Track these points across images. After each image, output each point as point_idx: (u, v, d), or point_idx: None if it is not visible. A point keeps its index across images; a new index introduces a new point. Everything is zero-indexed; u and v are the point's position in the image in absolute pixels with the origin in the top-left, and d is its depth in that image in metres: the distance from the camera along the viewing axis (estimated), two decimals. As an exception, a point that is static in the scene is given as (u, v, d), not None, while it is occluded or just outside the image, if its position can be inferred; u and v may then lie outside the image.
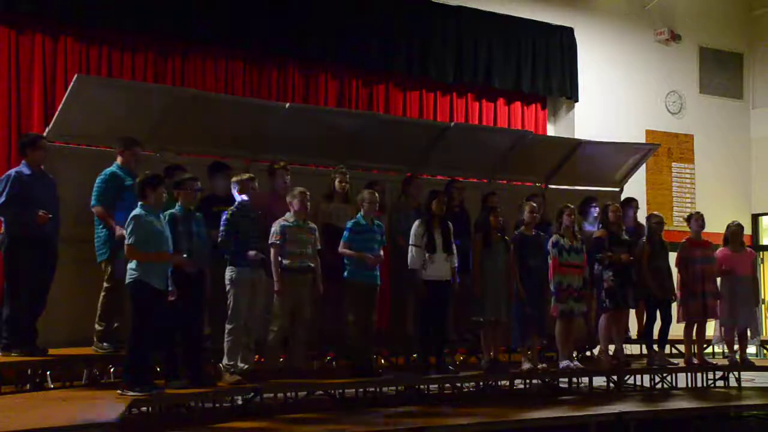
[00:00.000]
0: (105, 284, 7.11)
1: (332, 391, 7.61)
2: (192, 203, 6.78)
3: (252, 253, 6.85)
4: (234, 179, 7.16)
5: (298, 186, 7.55)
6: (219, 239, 6.88)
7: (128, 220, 6.24)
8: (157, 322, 6.30)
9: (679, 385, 9.16)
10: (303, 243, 7.30)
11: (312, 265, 7.37)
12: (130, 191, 6.87)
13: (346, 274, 7.60)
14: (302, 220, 7.35)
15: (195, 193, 6.78)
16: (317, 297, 7.60)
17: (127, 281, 6.22)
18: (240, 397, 7.16)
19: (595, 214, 9.11)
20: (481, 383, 8.38)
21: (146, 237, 6.20)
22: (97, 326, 7.08)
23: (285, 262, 7.21)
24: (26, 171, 6.88)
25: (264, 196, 7.54)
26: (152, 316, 6.22)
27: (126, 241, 6.20)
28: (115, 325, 7.12)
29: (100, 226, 7.13)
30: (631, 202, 9.67)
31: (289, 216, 7.35)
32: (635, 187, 11.52)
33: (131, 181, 7.03)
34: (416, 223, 7.97)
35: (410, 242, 7.90)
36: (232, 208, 6.99)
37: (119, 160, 7.17)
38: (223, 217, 6.90)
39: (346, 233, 7.59)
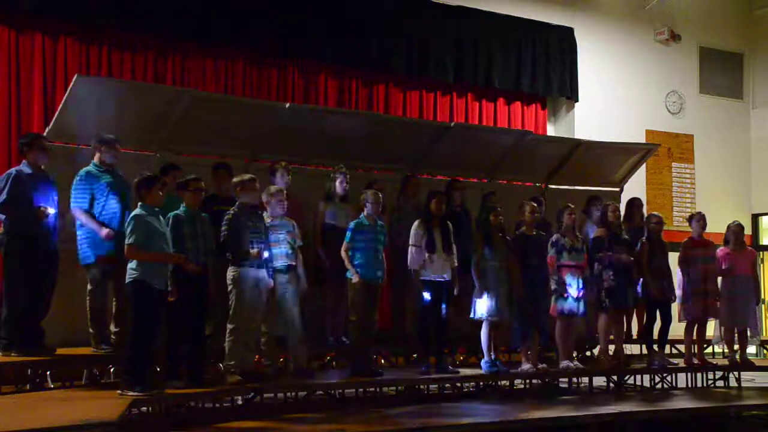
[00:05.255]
0: (88, 286, 7.08)
1: (332, 391, 7.61)
2: (197, 204, 6.78)
3: (254, 250, 6.84)
4: (235, 180, 7.16)
5: (299, 186, 7.57)
6: (220, 239, 6.88)
7: (128, 219, 6.24)
8: (158, 322, 6.31)
9: (679, 385, 9.16)
10: (280, 242, 7.25)
11: (293, 263, 7.32)
12: (105, 189, 6.92)
13: (349, 273, 7.60)
14: (279, 219, 7.31)
15: (200, 193, 6.78)
16: (305, 294, 7.56)
17: (127, 281, 6.22)
18: (240, 397, 7.16)
19: (599, 214, 9.10)
20: (481, 383, 8.38)
21: (146, 237, 6.20)
22: (90, 330, 7.07)
23: None
24: (26, 170, 6.88)
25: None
26: (152, 316, 6.21)
27: (126, 241, 6.19)
28: (114, 330, 7.12)
29: (80, 229, 7.08)
30: (636, 201, 9.71)
31: (265, 216, 7.26)
32: (635, 187, 11.53)
33: (108, 179, 7.03)
34: (416, 223, 7.98)
35: (410, 242, 7.90)
36: (233, 208, 6.99)
37: (96, 158, 7.11)
38: (225, 217, 6.90)
39: (348, 233, 7.58)
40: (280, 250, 7.23)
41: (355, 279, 7.46)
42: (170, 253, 6.35)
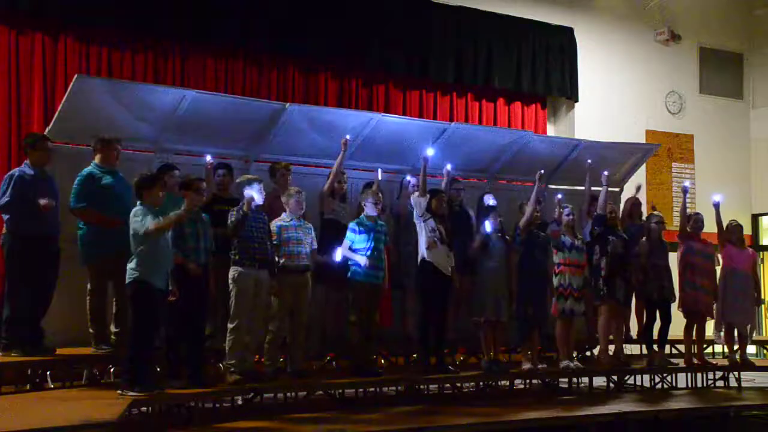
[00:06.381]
0: (88, 286, 7.11)
1: (332, 391, 7.61)
2: (198, 204, 6.78)
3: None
4: (239, 180, 7.18)
5: (299, 186, 7.58)
6: (228, 230, 6.88)
7: (131, 215, 6.24)
8: (158, 322, 6.31)
9: (679, 385, 9.17)
10: (300, 242, 7.29)
11: (309, 264, 7.36)
12: (104, 189, 6.95)
13: (350, 274, 7.60)
14: (297, 219, 7.35)
15: (202, 193, 6.80)
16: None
17: (127, 281, 6.21)
18: (240, 397, 7.17)
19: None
20: (481, 383, 8.38)
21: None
22: (90, 330, 7.09)
23: (282, 261, 7.20)
24: (29, 171, 6.89)
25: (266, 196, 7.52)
26: (152, 315, 6.21)
27: (135, 232, 6.18)
28: (114, 330, 7.13)
29: (81, 230, 7.10)
30: (635, 201, 9.73)
31: (285, 216, 7.35)
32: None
33: (109, 180, 7.06)
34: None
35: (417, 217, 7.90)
36: (237, 207, 6.98)
37: (97, 159, 7.14)
38: (231, 211, 6.90)
39: (348, 233, 7.59)
40: (299, 249, 7.26)
41: (363, 262, 7.46)
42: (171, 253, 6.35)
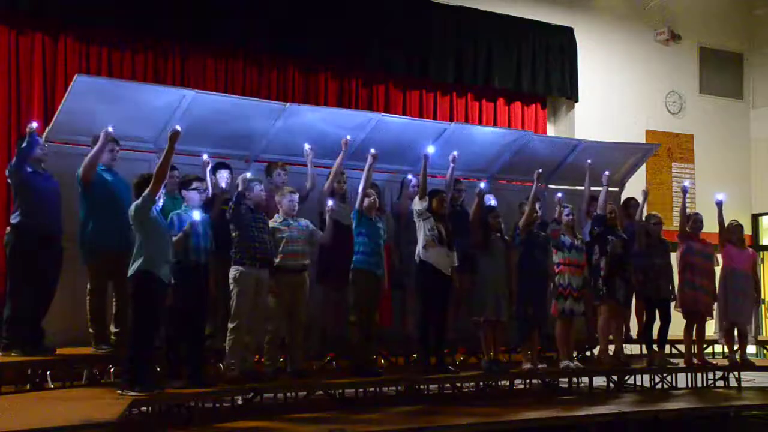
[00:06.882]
0: (88, 286, 7.11)
1: (332, 391, 7.61)
2: (198, 203, 6.79)
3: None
4: (240, 179, 7.20)
5: (298, 186, 7.60)
6: (227, 213, 6.93)
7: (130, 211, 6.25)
8: (159, 321, 6.30)
9: (679, 385, 9.17)
10: (295, 241, 7.29)
11: (306, 263, 7.36)
12: (103, 187, 7.00)
13: (353, 265, 7.60)
14: (292, 219, 7.35)
15: (201, 193, 6.80)
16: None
17: (130, 274, 6.17)
18: (240, 397, 7.17)
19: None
20: (481, 383, 8.38)
21: (148, 222, 6.17)
22: (90, 330, 7.09)
23: (277, 261, 7.20)
24: (28, 169, 6.89)
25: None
26: (154, 312, 6.17)
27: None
28: (114, 330, 7.13)
29: (81, 229, 7.11)
30: (632, 201, 9.75)
31: (277, 217, 7.35)
32: (635, 187, 11.51)
33: (111, 177, 7.10)
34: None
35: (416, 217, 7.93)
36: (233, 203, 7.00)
37: None
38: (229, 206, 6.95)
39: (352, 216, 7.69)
40: (295, 249, 7.26)
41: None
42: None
